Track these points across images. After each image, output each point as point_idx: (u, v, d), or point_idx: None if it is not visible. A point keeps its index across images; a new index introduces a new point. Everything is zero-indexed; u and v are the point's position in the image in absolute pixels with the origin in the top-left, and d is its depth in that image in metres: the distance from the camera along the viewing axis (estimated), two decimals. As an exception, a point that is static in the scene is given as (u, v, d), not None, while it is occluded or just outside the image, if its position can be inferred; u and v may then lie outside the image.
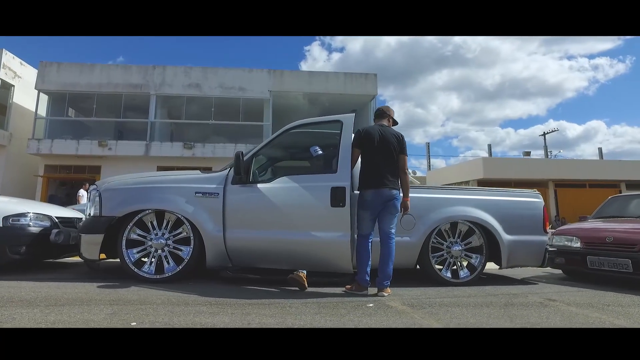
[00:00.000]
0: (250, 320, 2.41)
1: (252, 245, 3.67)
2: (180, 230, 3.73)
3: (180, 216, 3.68)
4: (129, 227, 3.68)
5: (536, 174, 20.45)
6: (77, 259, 5.64)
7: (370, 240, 3.51)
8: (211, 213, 3.69)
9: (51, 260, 5.03)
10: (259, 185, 3.72)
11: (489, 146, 25.91)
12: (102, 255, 3.82)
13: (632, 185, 20.06)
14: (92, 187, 4.12)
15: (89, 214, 3.97)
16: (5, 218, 3.84)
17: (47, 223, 4.10)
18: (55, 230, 4.05)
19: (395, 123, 3.78)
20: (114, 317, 2.37)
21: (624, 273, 4.26)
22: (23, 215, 3.96)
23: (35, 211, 4.09)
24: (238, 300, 2.99)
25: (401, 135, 3.62)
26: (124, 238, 3.67)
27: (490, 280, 4.44)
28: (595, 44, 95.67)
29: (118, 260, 3.71)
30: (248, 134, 16.98)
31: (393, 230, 3.51)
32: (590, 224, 5.18)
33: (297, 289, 3.57)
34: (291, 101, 17.37)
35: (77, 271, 4.45)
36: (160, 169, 15.68)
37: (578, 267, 4.68)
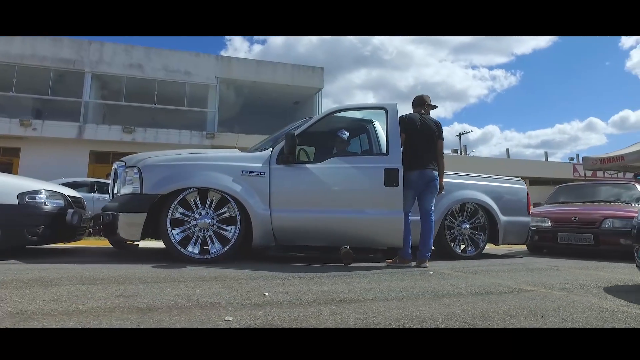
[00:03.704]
0: (364, 286, 2.57)
1: (301, 224, 3.74)
2: (224, 209, 3.66)
3: (227, 195, 3.61)
4: (173, 205, 3.52)
5: (459, 169, 22.64)
6: (68, 245, 5.08)
7: (410, 218, 3.84)
8: (258, 192, 3.68)
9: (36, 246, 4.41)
10: (309, 166, 3.81)
11: (417, 143, 28.02)
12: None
13: (534, 181, 23.28)
14: (118, 163, 3.80)
15: (118, 193, 3.69)
16: (21, 195, 3.38)
17: (61, 202, 3.70)
18: (71, 210, 3.67)
19: (433, 107, 4.13)
20: (232, 290, 2.36)
21: (586, 246, 5.20)
22: (37, 192, 3.52)
23: (47, 188, 3.67)
24: (318, 274, 3.08)
25: (439, 122, 4.00)
26: (169, 217, 3.50)
27: (485, 257, 5.06)
28: (495, 57, 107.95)
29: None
30: (192, 121, 16.20)
31: (433, 208, 3.88)
32: (555, 208, 6.15)
33: (342, 264, 3.76)
34: (237, 89, 16.94)
35: (85, 255, 4.04)
36: (94, 153, 14.24)
37: (550, 243, 5.56)
